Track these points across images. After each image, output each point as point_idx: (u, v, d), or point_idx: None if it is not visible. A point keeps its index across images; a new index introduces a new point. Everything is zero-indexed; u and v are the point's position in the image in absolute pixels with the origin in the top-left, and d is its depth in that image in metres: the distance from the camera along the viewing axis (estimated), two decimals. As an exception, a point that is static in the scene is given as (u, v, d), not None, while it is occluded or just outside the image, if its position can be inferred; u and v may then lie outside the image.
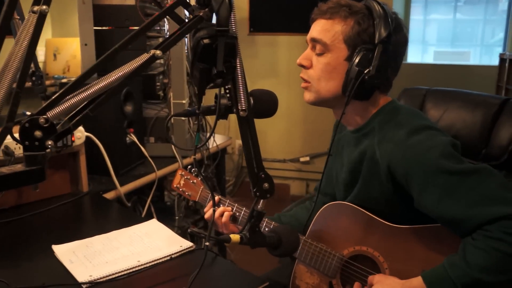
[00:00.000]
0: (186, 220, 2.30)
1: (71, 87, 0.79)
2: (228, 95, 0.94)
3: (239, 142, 3.75)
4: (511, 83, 2.74)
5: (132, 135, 1.85)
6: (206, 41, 0.80)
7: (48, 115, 0.77)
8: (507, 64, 2.83)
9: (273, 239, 1.02)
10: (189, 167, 1.51)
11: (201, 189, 1.43)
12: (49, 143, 0.79)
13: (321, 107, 1.25)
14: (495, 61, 3.72)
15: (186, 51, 2.03)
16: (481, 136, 1.47)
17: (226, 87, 0.94)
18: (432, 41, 4.16)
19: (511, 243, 0.95)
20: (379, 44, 1.09)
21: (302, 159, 3.81)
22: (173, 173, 2.04)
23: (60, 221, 1.45)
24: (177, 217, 2.23)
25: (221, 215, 1.31)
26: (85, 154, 1.62)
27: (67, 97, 0.79)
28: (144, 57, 0.83)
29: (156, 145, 2.07)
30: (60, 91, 0.78)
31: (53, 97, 0.78)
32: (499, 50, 3.75)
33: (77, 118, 0.79)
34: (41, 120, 0.77)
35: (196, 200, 1.44)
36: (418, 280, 1.03)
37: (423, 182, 1.04)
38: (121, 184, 1.72)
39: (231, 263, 1.13)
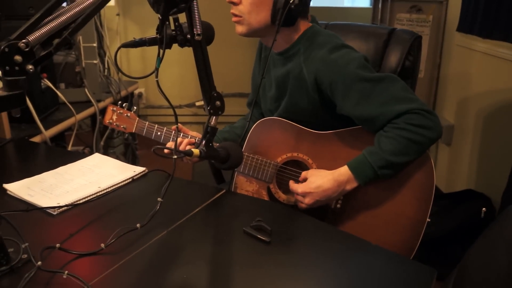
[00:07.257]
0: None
1: (47, 11, 0.82)
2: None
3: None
4: (384, 22, 3.09)
5: (46, 80, 1.81)
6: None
7: (29, 39, 0.80)
8: (380, 5, 3.16)
9: (223, 153, 1.16)
10: (119, 102, 1.55)
11: (136, 121, 1.49)
12: (30, 67, 0.82)
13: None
14: (365, 3, 4.11)
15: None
16: (375, 61, 1.71)
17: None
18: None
19: (412, 130, 1.21)
20: None
21: (197, 103, 3.90)
22: (90, 117, 2.04)
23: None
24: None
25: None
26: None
27: (43, 22, 0.82)
28: (112, -17, 0.88)
29: (68, 90, 2.04)
30: (36, 15, 0.81)
31: (30, 21, 0.81)
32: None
33: (58, 41, 0.82)
34: (21, 44, 0.79)
35: (133, 131, 1.50)
36: (344, 168, 1.27)
37: (344, 88, 1.26)
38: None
39: (187, 181, 1.23)
